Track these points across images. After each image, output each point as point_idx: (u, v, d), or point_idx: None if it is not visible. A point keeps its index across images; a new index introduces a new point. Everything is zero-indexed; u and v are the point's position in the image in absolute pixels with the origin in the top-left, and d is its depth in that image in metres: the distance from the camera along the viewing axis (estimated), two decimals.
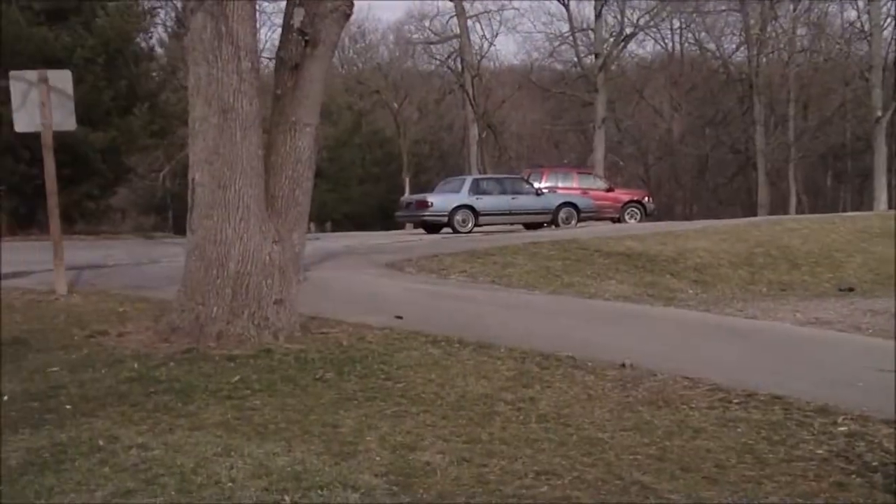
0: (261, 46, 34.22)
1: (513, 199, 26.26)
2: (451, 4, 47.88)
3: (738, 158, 56.11)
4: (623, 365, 8.14)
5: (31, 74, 11.58)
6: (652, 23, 52.02)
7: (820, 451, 5.85)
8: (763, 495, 5.08)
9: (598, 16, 47.87)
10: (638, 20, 50.63)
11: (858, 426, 6.34)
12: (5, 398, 6.58)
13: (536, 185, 28.15)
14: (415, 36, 55.72)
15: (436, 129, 60.19)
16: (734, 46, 55.68)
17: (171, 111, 28.13)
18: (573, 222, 26.52)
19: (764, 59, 51.03)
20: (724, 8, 53.03)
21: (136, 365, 7.60)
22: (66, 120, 11.68)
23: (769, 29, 51.00)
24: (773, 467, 5.52)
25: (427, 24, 53.83)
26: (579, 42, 50.95)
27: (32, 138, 12.77)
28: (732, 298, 15.57)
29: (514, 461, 5.44)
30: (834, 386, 7.52)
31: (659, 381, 7.66)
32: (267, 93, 9.87)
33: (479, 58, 51.47)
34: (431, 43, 53.19)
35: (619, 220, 29.32)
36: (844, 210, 43.36)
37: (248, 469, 5.02)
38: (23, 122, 11.55)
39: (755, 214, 42.50)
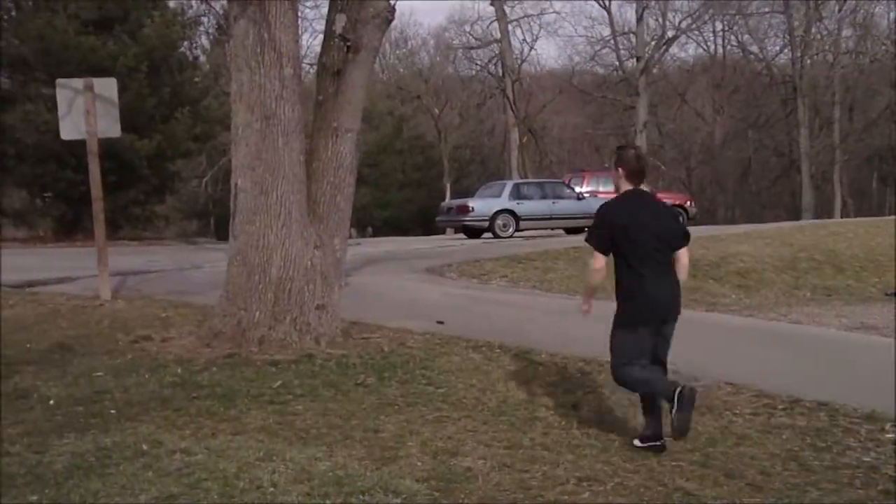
0: (302, 53, 34.42)
1: (554, 203, 26.15)
2: (491, 9, 47.93)
3: (782, 161, 55.61)
4: None
5: (77, 82, 11.72)
6: (694, 25, 51.81)
7: (867, 459, 5.77)
8: (808, 503, 5.02)
9: (639, 19, 47.76)
10: (680, 23, 50.53)
11: None
12: (51, 402, 6.67)
13: (577, 189, 28.03)
14: (455, 41, 55.84)
15: (476, 134, 60.15)
16: (778, 48, 55.28)
17: (213, 116, 28.38)
18: None
19: (808, 61, 50.55)
20: (767, 10, 52.63)
21: (179, 370, 7.67)
22: (111, 127, 11.80)
23: (814, 30, 50.54)
24: (818, 475, 5.46)
25: (468, 28, 53.91)
26: (620, 46, 50.87)
27: (78, 145, 12.91)
28: (776, 303, 15.42)
29: (556, 467, 5.42)
30: (881, 392, 7.42)
31: (702, 386, 7.60)
32: (309, 99, 9.92)
33: (519, 62, 51.43)
34: (472, 48, 53.21)
35: None
36: (890, 213, 42.78)
37: (290, 474, 5.04)
38: (68, 129, 11.69)
39: (799, 218, 42.10)
